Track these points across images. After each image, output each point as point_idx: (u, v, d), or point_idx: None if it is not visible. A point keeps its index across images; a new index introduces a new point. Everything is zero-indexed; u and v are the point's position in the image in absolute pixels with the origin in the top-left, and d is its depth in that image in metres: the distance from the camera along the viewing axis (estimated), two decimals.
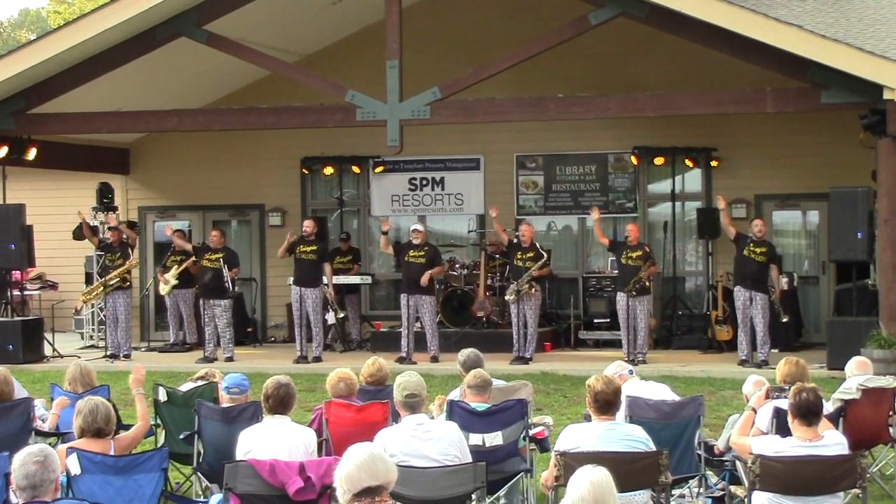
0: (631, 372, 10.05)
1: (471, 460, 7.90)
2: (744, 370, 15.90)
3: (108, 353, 19.74)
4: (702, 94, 17.56)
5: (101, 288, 19.89)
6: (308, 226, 19.36)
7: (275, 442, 7.93)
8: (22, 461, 5.98)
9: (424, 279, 18.51)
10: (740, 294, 17.55)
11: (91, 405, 7.85)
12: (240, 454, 7.93)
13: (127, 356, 19.65)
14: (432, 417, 9.41)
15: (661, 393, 9.78)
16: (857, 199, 16.75)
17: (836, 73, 15.95)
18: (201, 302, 19.34)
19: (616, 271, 19.12)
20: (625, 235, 18.74)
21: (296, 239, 19.20)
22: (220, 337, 19.25)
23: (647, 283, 18.00)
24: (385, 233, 19.40)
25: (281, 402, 8.15)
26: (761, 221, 18.14)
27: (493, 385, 9.59)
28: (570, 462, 7.31)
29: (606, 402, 7.85)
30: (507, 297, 18.49)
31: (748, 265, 17.54)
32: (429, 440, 7.89)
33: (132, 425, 9.02)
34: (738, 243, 17.74)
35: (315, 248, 19.18)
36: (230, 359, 18.86)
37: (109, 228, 20.76)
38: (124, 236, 20.36)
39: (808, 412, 7.50)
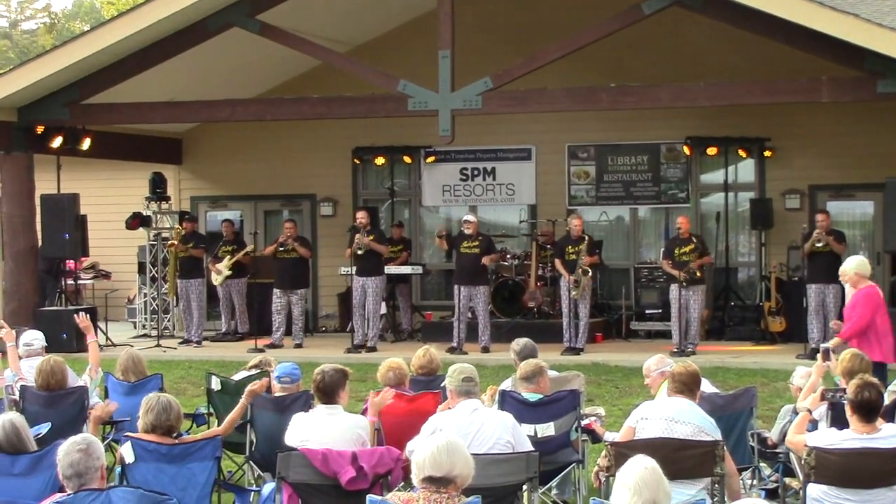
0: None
1: (528, 447, 7.90)
2: (797, 361, 15.78)
3: (180, 339, 20.09)
4: (756, 84, 17.43)
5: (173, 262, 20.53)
6: (362, 217, 19.34)
7: (325, 432, 7.94)
8: (66, 450, 6.03)
9: (486, 260, 18.56)
10: (815, 292, 17.53)
11: (164, 402, 7.72)
12: (292, 441, 7.96)
13: (198, 343, 19.94)
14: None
15: (704, 386, 9.74)
16: None
17: (893, 62, 15.78)
18: (276, 291, 19.71)
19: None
20: (676, 228, 18.63)
21: (352, 234, 19.22)
22: (293, 324, 19.70)
23: (698, 273, 17.89)
24: (441, 237, 19.42)
25: (331, 390, 8.16)
26: (824, 215, 17.89)
27: (548, 374, 9.56)
28: (622, 452, 7.29)
29: (683, 385, 7.95)
30: (572, 295, 18.28)
31: (816, 261, 17.48)
32: (482, 425, 7.88)
33: (189, 414, 9.05)
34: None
35: (372, 237, 19.20)
36: (299, 345, 19.39)
37: (183, 220, 21.02)
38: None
39: (869, 410, 7.44)
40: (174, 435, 7.72)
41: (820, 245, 17.44)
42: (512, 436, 7.95)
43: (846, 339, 11.74)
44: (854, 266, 12.34)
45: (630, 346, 19.17)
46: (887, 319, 12.31)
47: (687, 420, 7.76)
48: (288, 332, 19.77)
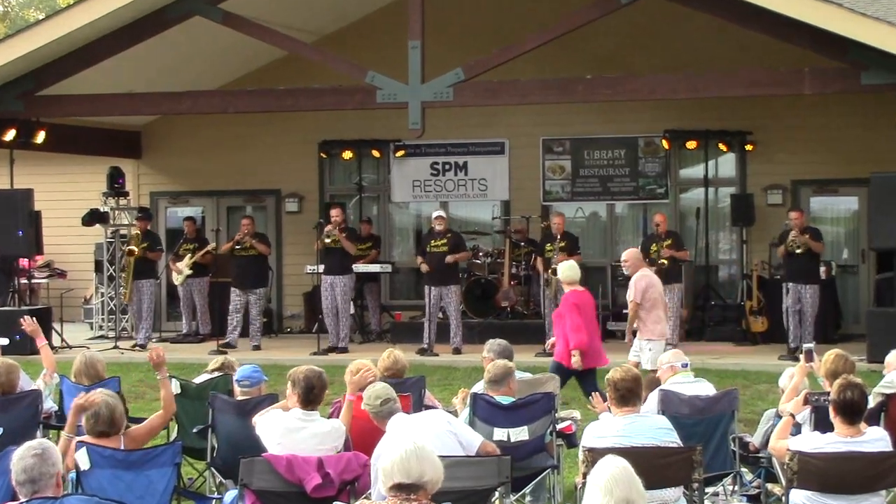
0: (685, 366, 10.02)
1: (472, 436, 7.88)
2: (780, 363, 15.83)
3: (133, 343, 20.00)
4: (736, 76, 17.44)
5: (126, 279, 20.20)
6: (336, 214, 19.27)
7: (307, 439, 7.90)
8: (20, 455, 5.97)
9: (450, 259, 18.54)
10: (791, 291, 17.55)
11: (94, 408, 7.77)
12: (269, 440, 7.90)
13: (143, 346, 19.80)
14: (453, 411, 9.40)
15: (703, 391, 9.76)
16: None
17: (878, 53, 15.82)
18: (233, 290, 19.68)
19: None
20: (654, 225, 18.69)
21: (324, 231, 19.16)
22: (250, 324, 19.67)
23: (665, 262, 17.90)
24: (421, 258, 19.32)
25: (321, 394, 8.14)
26: (797, 213, 18.00)
27: (517, 376, 9.56)
28: (599, 458, 7.27)
29: (628, 391, 7.81)
30: (549, 296, 18.32)
31: (793, 260, 17.55)
32: (418, 428, 7.74)
33: (141, 419, 9.01)
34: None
35: (345, 234, 19.17)
36: (257, 347, 19.35)
37: (138, 217, 20.89)
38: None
39: (852, 411, 7.44)
40: (118, 434, 7.73)
41: (799, 251, 17.49)
42: (449, 424, 7.91)
43: (581, 348, 12.52)
44: (560, 273, 13.38)
45: (607, 347, 18.95)
46: (589, 325, 13.02)
47: (643, 434, 7.73)
48: (245, 333, 19.69)
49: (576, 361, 12.41)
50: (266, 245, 20.02)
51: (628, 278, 19.97)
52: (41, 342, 10.72)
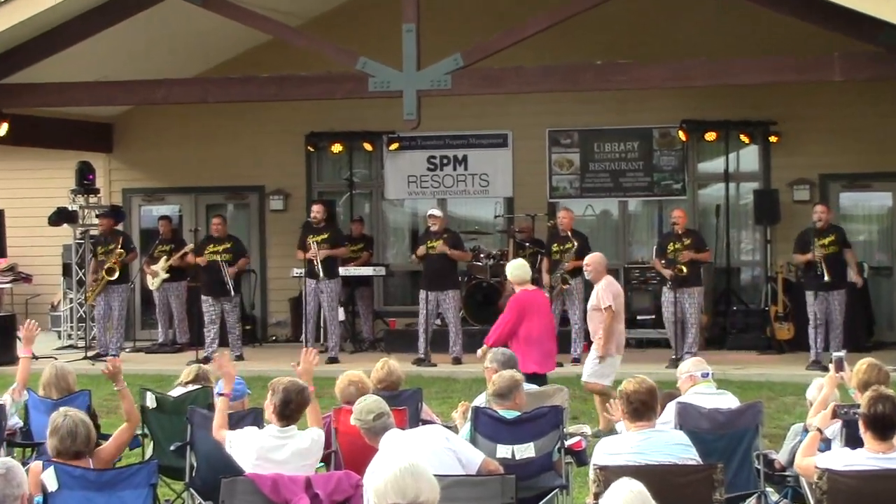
0: (706, 375, 10.01)
1: (473, 454, 7.89)
2: (808, 373, 15.84)
3: (94, 353, 19.88)
4: (759, 61, 17.42)
5: (95, 284, 20.02)
6: (317, 211, 19.32)
7: (288, 459, 7.91)
8: None
9: (446, 251, 18.60)
10: (811, 297, 17.56)
11: (69, 425, 7.70)
12: (243, 459, 7.92)
13: (115, 357, 19.73)
14: (453, 426, 9.40)
15: (728, 404, 9.75)
16: None
17: None
18: (205, 299, 19.53)
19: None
20: (672, 223, 18.64)
21: (303, 229, 19.21)
22: (228, 334, 19.63)
23: (684, 269, 17.89)
24: (419, 256, 19.31)
25: (299, 409, 8.14)
26: (823, 207, 18.01)
27: (524, 388, 9.55)
28: (612, 476, 7.28)
29: (642, 405, 7.83)
30: (547, 294, 18.41)
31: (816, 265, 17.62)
32: (413, 446, 7.75)
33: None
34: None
35: (326, 235, 19.20)
36: (240, 357, 19.21)
37: (99, 216, 20.79)
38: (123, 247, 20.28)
39: (884, 425, 7.43)
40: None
41: (822, 266, 17.47)
42: (447, 440, 7.92)
43: (491, 346, 12.74)
44: (509, 273, 13.75)
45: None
46: (540, 326, 13.36)
47: (659, 451, 7.74)
48: (225, 343, 19.67)
49: (479, 352, 12.79)
50: (241, 252, 19.96)
51: (645, 282, 20.18)
52: (26, 353, 10.66)
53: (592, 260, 14.17)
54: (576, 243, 18.60)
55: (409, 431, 8.22)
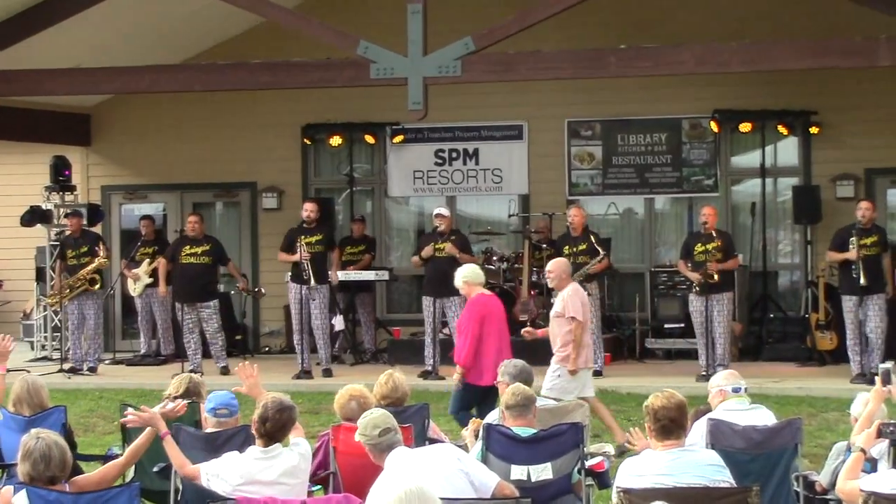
0: (737, 390, 9.96)
1: (488, 478, 7.88)
2: (852, 387, 15.81)
3: (68, 366, 19.84)
4: (799, 45, 17.39)
5: (68, 290, 19.97)
6: (309, 209, 19.33)
7: (275, 481, 7.92)
8: None
9: (450, 248, 18.59)
10: (849, 302, 17.53)
11: (42, 449, 7.65)
12: (223, 485, 7.92)
13: (92, 370, 19.76)
14: (463, 446, 9.40)
15: (763, 420, 9.73)
16: None
17: None
18: (180, 307, 19.44)
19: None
20: (702, 222, 18.58)
21: (294, 228, 19.22)
22: (209, 345, 19.48)
23: (716, 277, 17.81)
24: (423, 258, 19.29)
25: (282, 429, 8.15)
26: (868, 203, 17.99)
27: (538, 404, 9.56)
28: (637, 500, 7.27)
29: (671, 421, 7.82)
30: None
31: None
32: (425, 469, 7.76)
33: (92, 456, 8.98)
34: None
35: (320, 236, 19.21)
36: (225, 369, 19.08)
37: (67, 215, 20.76)
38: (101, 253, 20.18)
39: None
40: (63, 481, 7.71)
41: (859, 267, 17.44)
42: (459, 461, 7.92)
43: (464, 367, 13.25)
44: (462, 276, 13.87)
45: (645, 369, 19.17)
46: (496, 335, 13.61)
47: (689, 473, 7.74)
48: (206, 355, 19.65)
49: (455, 379, 13.04)
50: (222, 255, 19.96)
51: (673, 287, 20.15)
52: (2, 369, 10.68)
53: (555, 266, 14.23)
54: (586, 244, 18.47)
55: (418, 450, 8.22)
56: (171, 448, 8.66)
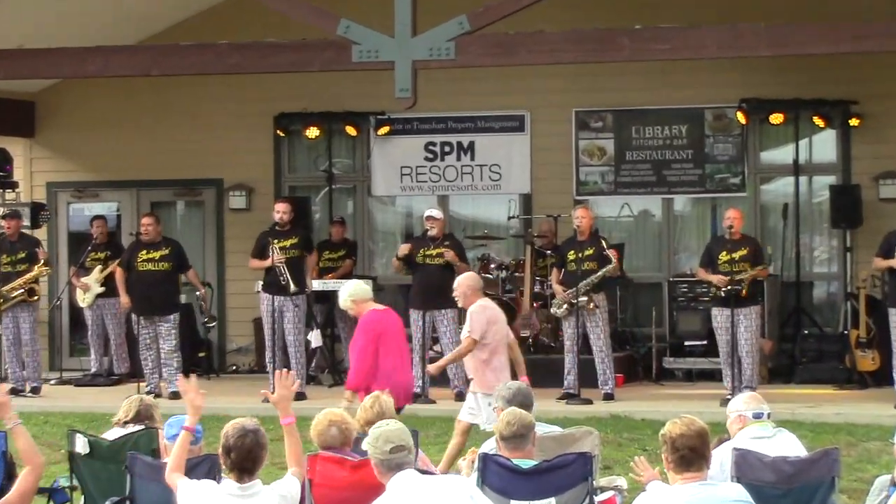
0: (760, 416, 9.93)
1: None
2: None
3: (10, 387, 19.80)
4: (837, 27, 17.40)
5: (2, 301, 19.94)
6: (282, 210, 19.31)
7: None
8: None
9: (449, 256, 18.62)
10: (895, 314, 17.59)
11: None
12: None
13: (35, 390, 19.71)
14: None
15: (788, 448, 9.73)
16: None
17: None
18: (136, 320, 19.41)
19: None
20: (727, 226, 18.55)
21: (266, 231, 19.23)
22: (163, 365, 19.43)
23: (745, 291, 17.82)
24: (400, 258, 19.29)
25: (248, 457, 8.11)
26: None
27: (542, 431, 9.55)
28: None
29: (691, 451, 7.82)
30: (553, 310, 18.46)
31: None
32: (430, 499, 7.80)
33: (43, 489, 8.98)
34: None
35: (294, 240, 19.19)
36: (176, 395, 18.82)
37: (5, 216, 20.72)
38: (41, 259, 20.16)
39: None
40: None
41: None
42: (472, 498, 7.95)
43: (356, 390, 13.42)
44: (348, 294, 14.00)
45: (663, 392, 19.18)
46: (392, 354, 13.75)
47: None
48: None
49: (344, 405, 12.91)
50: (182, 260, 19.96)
51: (694, 299, 20.16)
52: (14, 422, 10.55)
53: (461, 282, 14.37)
54: (592, 249, 18.41)
55: (429, 478, 8.23)
56: (179, 447, 8.68)
